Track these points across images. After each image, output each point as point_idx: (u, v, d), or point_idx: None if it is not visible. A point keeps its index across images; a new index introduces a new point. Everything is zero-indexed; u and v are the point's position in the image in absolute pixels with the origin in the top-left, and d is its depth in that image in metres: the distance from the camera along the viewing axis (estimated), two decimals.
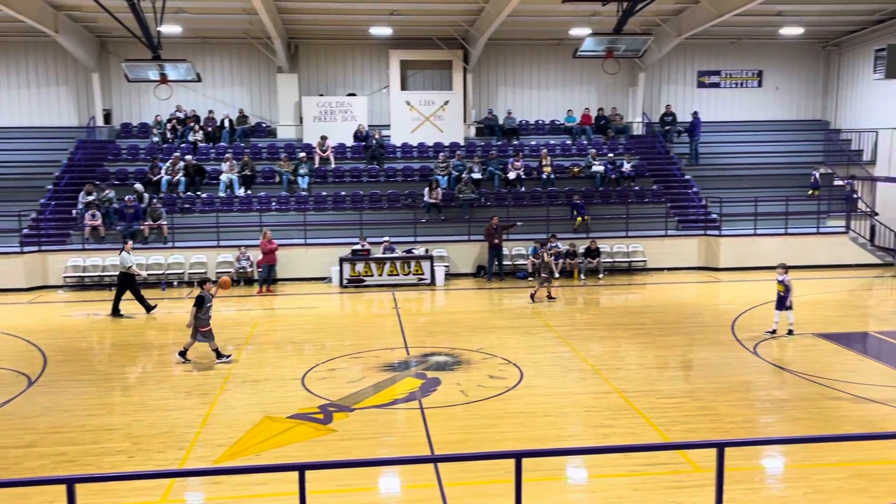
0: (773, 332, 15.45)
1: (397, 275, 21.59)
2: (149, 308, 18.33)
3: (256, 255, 21.47)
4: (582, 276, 22.18)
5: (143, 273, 18.33)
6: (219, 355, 14.07)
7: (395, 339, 15.80)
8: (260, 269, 21.21)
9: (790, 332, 15.33)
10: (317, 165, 25.68)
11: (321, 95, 27.63)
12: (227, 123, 27.07)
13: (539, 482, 8.67)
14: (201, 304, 13.81)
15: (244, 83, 28.02)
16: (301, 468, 4.90)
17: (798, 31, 26.14)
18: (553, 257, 22.18)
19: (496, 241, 21.80)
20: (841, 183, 26.42)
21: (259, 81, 28.01)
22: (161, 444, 10.20)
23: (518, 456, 4.92)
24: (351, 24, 25.67)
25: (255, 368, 13.72)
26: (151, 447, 10.08)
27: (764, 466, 9.40)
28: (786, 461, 9.56)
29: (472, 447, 9.92)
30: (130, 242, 19.26)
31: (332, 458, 9.53)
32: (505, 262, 22.54)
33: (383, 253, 21.86)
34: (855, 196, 25.95)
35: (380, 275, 21.55)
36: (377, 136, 26.49)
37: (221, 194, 24.15)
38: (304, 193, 24.44)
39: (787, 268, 15.46)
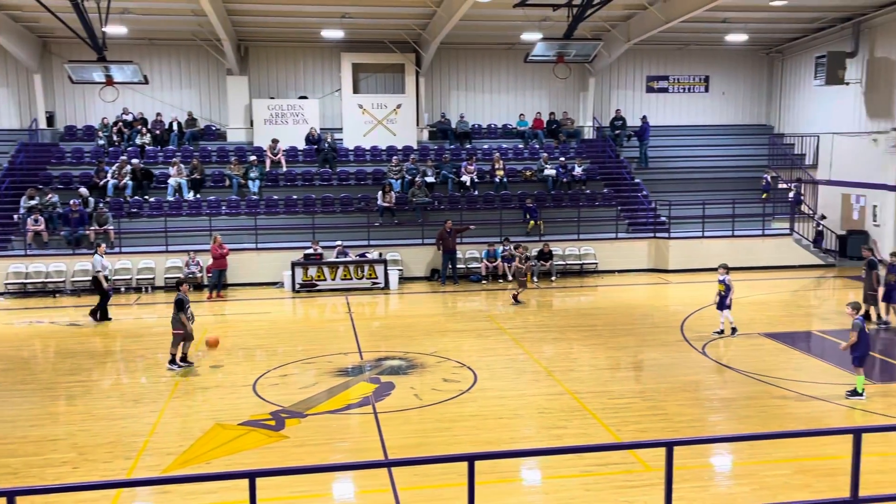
0: (721, 332, 15.76)
1: (350, 279, 21.47)
2: (103, 318, 17.79)
3: (206, 260, 21.13)
4: (535, 279, 22.33)
5: (105, 284, 17.94)
6: (173, 361, 13.84)
7: (349, 343, 15.70)
8: (210, 275, 20.87)
9: (734, 331, 15.63)
10: (268, 169, 25.39)
11: (272, 98, 27.34)
12: (175, 126, 26.61)
13: (493, 484, 8.70)
14: (181, 306, 13.72)
15: (193, 85, 27.58)
16: (251, 475, 4.82)
17: (743, 37, 26.77)
18: (517, 259, 22.32)
19: (450, 244, 21.83)
20: (785, 186, 27.09)
21: (208, 84, 27.61)
22: (107, 453, 9.96)
23: (471, 459, 4.92)
24: (302, 27, 25.47)
25: (206, 375, 13.50)
26: (97, 457, 9.83)
27: (713, 464, 9.58)
28: (734, 459, 9.75)
29: (427, 451, 9.90)
30: (104, 246, 18.77)
31: (285, 464, 9.41)
32: (459, 266, 22.58)
33: (336, 257, 21.71)
34: (801, 198, 26.66)
35: (333, 279, 21.39)
36: (329, 140, 26.32)
37: (170, 198, 23.72)
38: (254, 197, 24.14)
39: (728, 268, 15.77)
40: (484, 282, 22.31)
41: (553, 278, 22.56)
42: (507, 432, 10.65)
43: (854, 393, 11.82)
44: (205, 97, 27.70)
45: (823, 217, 25.96)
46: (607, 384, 12.76)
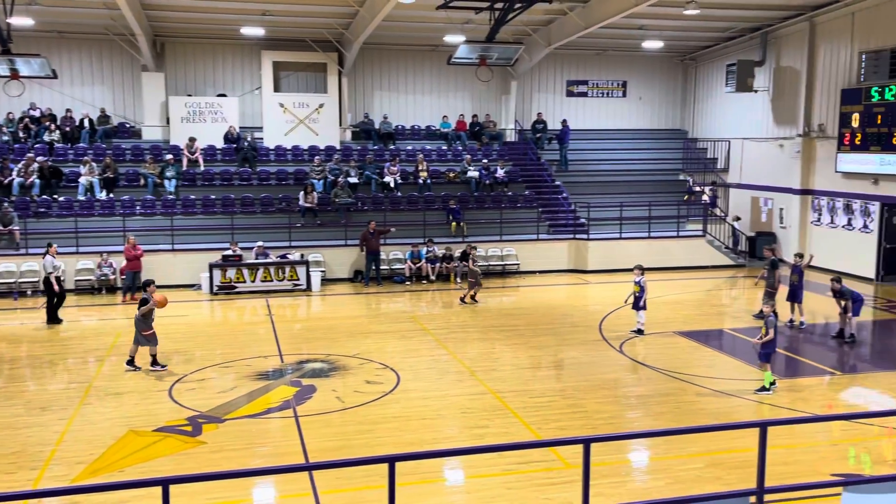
0: (639, 331, 16.16)
1: (271, 280, 21.10)
2: (53, 322, 17.17)
3: (120, 261, 20.41)
4: (458, 280, 22.44)
5: (56, 286, 17.46)
6: (154, 362, 13.62)
7: (269, 346, 15.43)
8: (124, 277, 20.18)
9: (640, 332, 16.05)
10: (185, 168, 24.72)
11: (189, 96, 26.64)
12: (86, 123, 25.60)
13: (416, 485, 8.69)
14: (143, 304, 13.59)
15: (106, 81, 26.61)
16: (165, 483, 4.67)
17: (658, 44, 27.57)
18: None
19: (374, 245, 21.71)
20: (698, 189, 28.02)
21: (122, 80, 26.67)
22: (11, 464, 9.51)
23: (391, 460, 4.89)
24: (221, 24, 24.90)
25: (119, 381, 13.04)
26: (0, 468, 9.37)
27: (630, 460, 9.82)
28: (650, 454, 10.02)
29: (349, 454, 9.83)
30: (55, 246, 18.14)
31: (202, 470, 9.16)
32: (382, 267, 22.48)
33: (256, 258, 21.31)
34: (716, 201, 27.61)
35: (252, 281, 20.98)
36: (249, 139, 25.82)
37: (81, 198, 22.82)
38: (171, 197, 23.46)
39: (643, 270, 16.20)
40: (408, 283, 22.29)
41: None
42: (429, 433, 10.66)
43: (762, 389, 12.32)
44: (118, 93, 26.75)
45: (738, 219, 26.99)
46: (528, 383, 12.92)
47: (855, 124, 22.28)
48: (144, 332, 13.62)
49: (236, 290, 20.81)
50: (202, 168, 24.95)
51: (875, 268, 22.15)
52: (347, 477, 8.92)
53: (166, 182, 23.71)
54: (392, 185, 24.97)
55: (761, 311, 16.68)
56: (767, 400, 12.01)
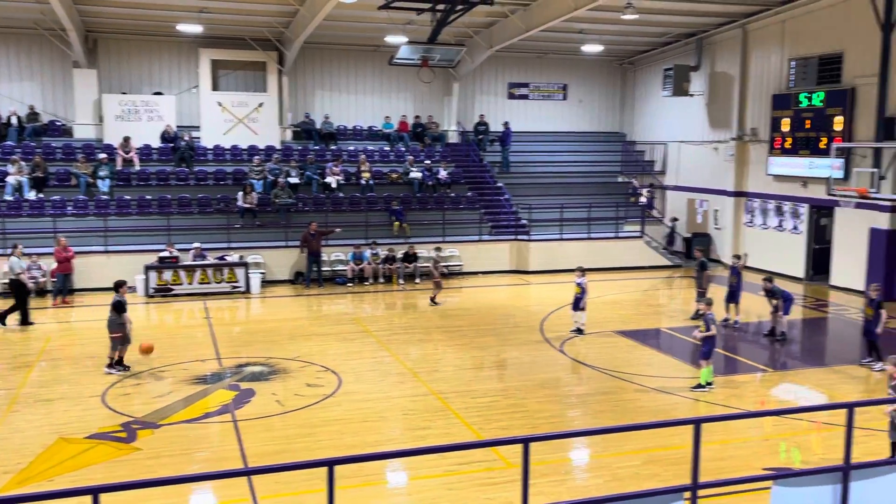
0: (578, 331, 16.36)
1: (209, 283, 20.69)
2: (25, 323, 17.02)
3: (50, 263, 19.74)
4: (401, 281, 22.38)
5: (30, 283, 17.49)
6: (119, 363, 13.48)
7: (207, 350, 15.12)
8: (54, 279, 19.53)
9: (580, 332, 16.24)
10: (119, 167, 24.05)
11: (124, 93, 25.93)
12: (14, 121, 24.68)
13: (358, 488, 8.63)
14: (121, 308, 13.34)
15: (35, 78, 25.69)
16: (95, 491, 4.51)
17: (598, 48, 27.97)
18: (433, 262, 22.23)
19: (314, 246, 21.49)
20: (636, 191, 28.53)
21: (52, 76, 25.79)
22: None
23: (330, 464, 4.84)
24: (156, 20, 24.30)
25: (49, 387, 12.60)
26: None
27: (570, 458, 9.93)
28: (590, 452, 10.16)
29: (289, 458, 9.69)
30: (20, 247, 17.97)
31: (136, 478, 8.92)
32: (325, 269, 22.27)
33: (193, 260, 20.87)
34: (653, 202, 28.17)
35: (190, 283, 20.54)
36: (186, 138, 25.28)
37: (8, 198, 21.99)
38: (104, 197, 22.79)
39: (584, 271, 16.42)
40: (350, 284, 22.13)
41: (418, 280, 22.67)
42: (371, 435, 10.60)
43: (699, 386, 12.60)
44: (48, 90, 25.87)
45: (675, 220, 27.59)
46: (471, 383, 12.96)
47: (785, 129, 23.00)
48: (114, 334, 13.42)
49: (173, 292, 20.35)
50: (137, 168, 24.32)
51: (804, 268, 22.90)
52: (287, 481, 8.79)
53: (100, 182, 23.03)
54: (334, 185, 24.76)
55: (697, 311, 17.11)
56: (703, 397, 12.29)
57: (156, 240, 21.58)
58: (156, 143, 25.45)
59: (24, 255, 19.29)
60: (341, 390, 12.51)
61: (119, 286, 13.83)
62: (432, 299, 19.53)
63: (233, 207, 23.04)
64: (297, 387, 12.70)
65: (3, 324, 16.88)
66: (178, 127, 25.86)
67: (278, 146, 26.79)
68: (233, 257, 21.42)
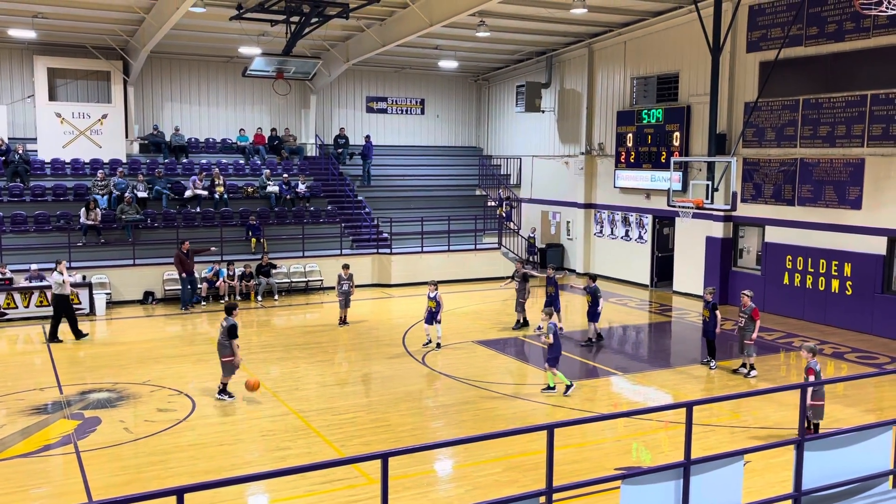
0: (429, 343, 16.48)
1: (48, 305, 19.27)
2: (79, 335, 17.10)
3: None
4: (259, 298, 21.77)
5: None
6: (224, 391, 12.76)
7: (47, 377, 14.08)
8: None
9: (438, 346, 16.42)
10: None
11: None
12: None
13: None
14: (234, 333, 12.67)
15: None
16: None
17: (454, 64, 28.55)
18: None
19: (189, 266, 20.52)
20: (493, 204, 29.27)
21: None
22: None
23: (179, 492, 4.60)
24: None
25: None
26: None
27: (433, 470, 9.97)
28: (451, 462, 10.24)
29: (139, 487, 9.16)
30: (64, 262, 17.43)
31: None
32: (174, 287, 21.28)
33: (29, 282, 19.40)
34: (510, 215, 28.94)
35: (26, 306, 19.08)
36: (21, 151, 23.53)
37: None
38: None
39: (437, 285, 16.61)
40: (204, 303, 21.29)
41: (276, 297, 22.15)
42: (228, 459, 10.21)
43: (548, 388, 13.09)
44: None
45: (534, 230, 28.51)
46: (333, 400, 12.77)
47: (629, 144, 24.34)
48: (226, 358, 12.60)
49: (6, 317, 18.82)
50: None
51: (649, 275, 24.25)
52: None
53: None
54: (205, 196, 23.86)
55: (521, 321, 17.84)
56: (560, 401, 12.70)
57: None
58: None
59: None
60: (195, 414, 11.99)
61: (231, 309, 12.99)
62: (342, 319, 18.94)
63: (74, 225, 21.64)
64: (148, 412, 12.06)
65: (59, 339, 16.84)
66: (10, 139, 24.07)
67: (124, 159, 25.45)
68: (75, 278, 20.08)
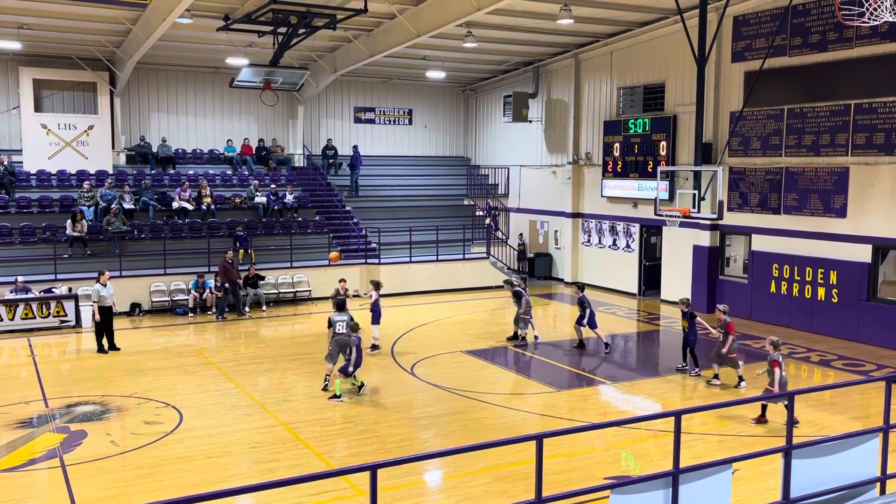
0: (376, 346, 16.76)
1: (34, 318, 19.13)
2: (113, 347, 17.15)
3: None
4: (247, 309, 21.67)
5: (97, 316, 16.92)
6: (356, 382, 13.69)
7: (32, 390, 13.95)
8: None
9: (374, 347, 16.69)
10: None
11: None
12: None
13: None
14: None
15: None
16: None
17: (441, 75, 28.63)
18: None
19: (233, 275, 20.65)
20: (481, 214, 29.33)
21: None
22: None
23: None
24: None
25: None
26: None
27: (423, 481, 9.94)
28: (441, 473, 10.21)
29: (125, 502, 9.11)
30: (108, 273, 17.42)
31: None
32: (162, 299, 21.20)
33: (14, 294, 19.24)
34: (497, 224, 28.98)
35: (11, 319, 18.91)
36: (6, 162, 23.38)
37: None
38: None
39: (379, 286, 17.22)
40: (191, 314, 21.18)
41: (264, 308, 22.05)
42: (215, 472, 10.14)
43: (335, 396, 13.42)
44: None
45: (521, 236, 28.58)
46: (321, 412, 12.72)
47: (616, 153, 24.45)
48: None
49: None
50: None
51: (637, 283, 24.33)
52: None
53: None
54: (191, 208, 23.79)
55: (524, 338, 17.79)
56: (550, 411, 12.70)
57: None
58: None
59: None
60: (183, 426, 11.91)
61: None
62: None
63: (60, 236, 21.51)
64: (135, 425, 11.97)
65: (105, 350, 16.99)
66: None
67: (111, 171, 25.35)
68: (61, 290, 19.95)
